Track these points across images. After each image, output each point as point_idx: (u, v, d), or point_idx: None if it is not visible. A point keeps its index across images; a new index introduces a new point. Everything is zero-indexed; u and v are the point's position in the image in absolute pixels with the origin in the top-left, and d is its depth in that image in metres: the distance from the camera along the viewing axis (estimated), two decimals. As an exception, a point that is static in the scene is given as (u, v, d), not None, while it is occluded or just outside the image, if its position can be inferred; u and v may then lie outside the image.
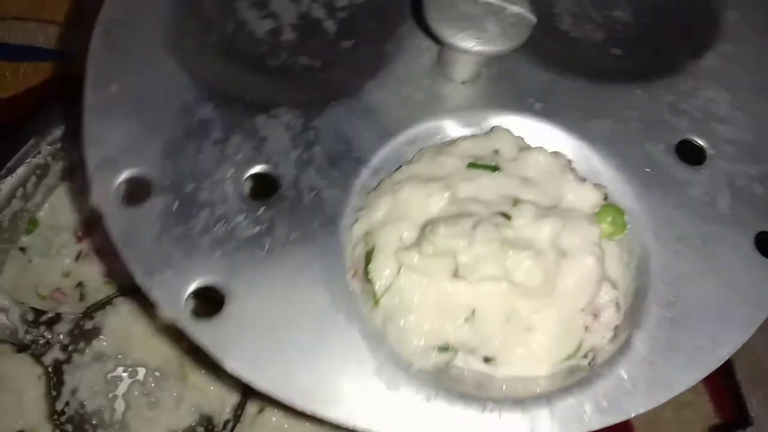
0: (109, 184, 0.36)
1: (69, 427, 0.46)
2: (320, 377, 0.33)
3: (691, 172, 0.38)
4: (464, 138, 0.39)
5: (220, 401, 0.47)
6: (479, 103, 0.40)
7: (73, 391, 0.47)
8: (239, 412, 0.48)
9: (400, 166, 0.38)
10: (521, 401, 0.33)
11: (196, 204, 0.36)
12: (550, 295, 0.33)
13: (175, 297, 0.34)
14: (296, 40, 0.44)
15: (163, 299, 0.34)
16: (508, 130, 0.39)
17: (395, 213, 0.35)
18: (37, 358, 0.47)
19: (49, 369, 0.47)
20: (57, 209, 0.54)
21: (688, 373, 0.34)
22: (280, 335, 0.34)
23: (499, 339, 0.33)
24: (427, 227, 0.34)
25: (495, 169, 0.37)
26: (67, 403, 0.46)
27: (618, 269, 0.36)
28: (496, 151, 0.37)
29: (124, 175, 0.37)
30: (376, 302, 0.34)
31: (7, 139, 0.51)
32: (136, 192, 0.37)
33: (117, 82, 0.39)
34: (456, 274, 0.33)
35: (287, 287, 0.35)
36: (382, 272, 0.34)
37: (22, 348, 0.48)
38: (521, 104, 0.40)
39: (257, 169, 0.38)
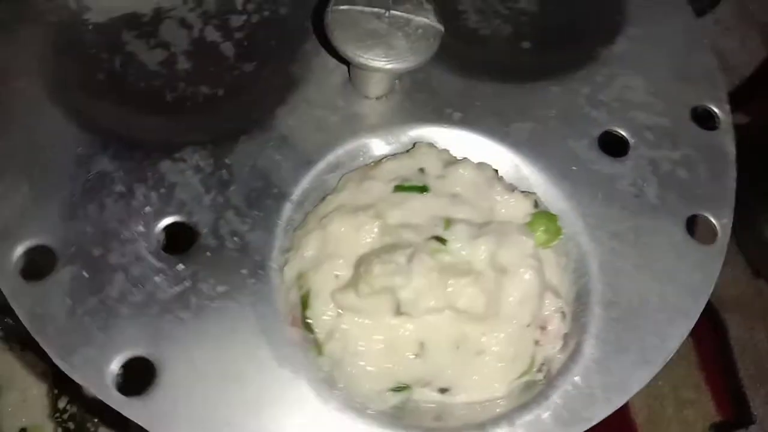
0: (6, 259, 0.33)
1: (71, 424, 0.45)
2: (271, 437, 0.31)
3: (616, 165, 0.38)
4: (387, 158, 0.37)
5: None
6: (397, 118, 0.39)
7: (76, 390, 0.46)
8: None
9: (325, 197, 0.36)
10: (482, 425, 0.32)
11: (107, 269, 0.33)
12: (496, 315, 0.32)
13: (100, 375, 0.31)
14: (193, 68, 0.41)
15: (86, 379, 0.31)
16: (430, 145, 0.37)
17: (326, 250, 0.33)
18: (41, 356, 0.44)
19: (51, 368, 0.46)
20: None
21: (641, 371, 0.34)
22: (223, 399, 0.31)
23: (451, 368, 0.32)
24: (362, 267, 0.32)
25: (423, 189, 0.35)
26: (69, 401, 0.46)
27: (557, 276, 0.35)
28: (422, 170, 0.36)
29: (21, 248, 0.33)
30: (320, 350, 0.32)
31: None
32: (39, 263, 0.34)
33: (-1, 143, 0.35)
34: (399, 311, 0.31)
35: (222, 346, 0.32)
36: (322, 317, 0.32)
37: (24, 347, 0.47)
38: (440, 115, 0.39)
39: (169, 220, 0.35)
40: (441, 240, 0.33)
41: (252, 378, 0.32)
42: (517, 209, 0.35)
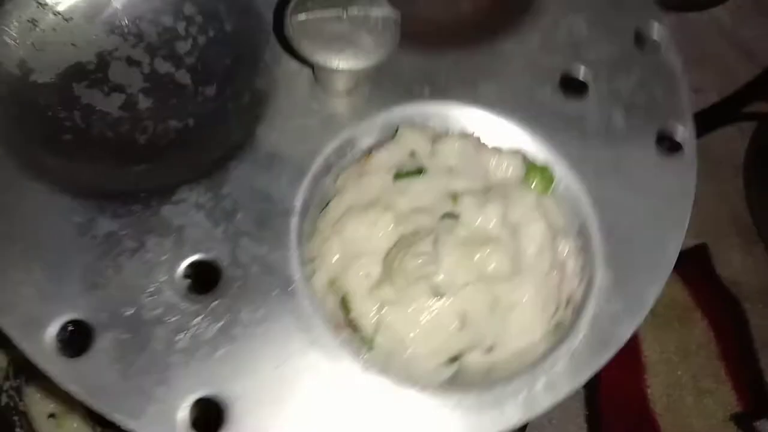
0: (41, 345, 0.33)
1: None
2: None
3: (581, 104, 0.41)
4: (376, 150, 0.38)
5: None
6: (372, 107, 0.40)
7: None
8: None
9: (329, 202, 0.37)
10: (527, 369, 0.35)
11: (145, 325, 0.34)
12: (519, 271, 0.35)
13: (172, 424, 0.32)
14: (155, 105, 0.41)
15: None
16: (411, 128, 0.39)
17: (349, 253, 0.35)
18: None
19: None
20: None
21: (652, 283, 0.37)
22: (297, 415, 0.33)
23: (491, 329, 0.35)
24: (393, 262, 0.34)
25: (420, 171, 0.37)
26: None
27: (561, 218, 0.38)
28: (413, 153, 0.37)
29: (52, 329, 0.33)
30: (371, 345, 0.34)
31: None
32: (75, 338, 0.34)
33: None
34: (436, 293, 0.33)
35: (281, 366, 0.33)
36: (365, 316, 0.34)
37: None
38: (411, 94, 0.40)
39: (189, 260, 0.35)
40: (453, 216, 0.35)
41: (317, 386, 0.33)
42: (509, 168, 0.38)
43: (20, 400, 0.47)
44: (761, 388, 0.55)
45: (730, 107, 0.76)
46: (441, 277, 0.33)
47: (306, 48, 0.35)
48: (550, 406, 0.34)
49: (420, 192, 0.36)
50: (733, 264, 0.66)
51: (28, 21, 0.40)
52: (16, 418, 0.46)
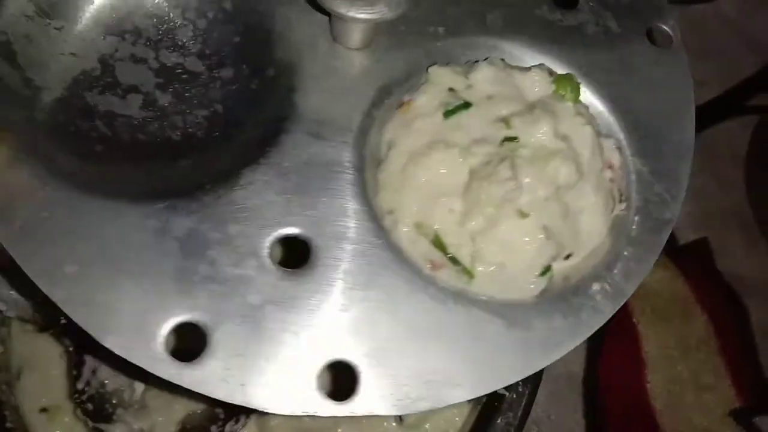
0: (154, 354, 0.32)
1: (90, 405, 0.46)
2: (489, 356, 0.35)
3: (577, 14, 0.43)
4: (413, 95, 0.39)
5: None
6: (393, 55, 0.40)
7: (93, 371, 0.46)
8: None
9: (388, 154, 0.38)
10: (602, 265, 0.39)
11: (255, 311, 0.34)
12: (581, 176, 0.38)
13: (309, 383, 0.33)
14: (175, 98, 0.40)
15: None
16: (439, 67, 0.40)
17: (427, 196, 0.36)
18: (58, 337, 0.47)
19: (70, 348, 0.46)
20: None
21: (681, 161, 0.41)
22: (429, 359, 0.35)
23: (567, 236, 0.38)
24: (479, 194, 0.36)
25: (467, 105, 0.38)
26: (87, 383, 0.46)
27: (595, 120, 0.41)
28: (451, 89, 0.39)
29: (162, 337, 0.33)
30: (471, 275, 0.36)
31: None
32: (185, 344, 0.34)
33: (75, 263, 0.33)
34: (522, 214, 0.36)
35: (398, 321, 0.35)
36: (462, 249, 0.36)
37: (43, 328, 0.47)
38: (426, 36, 0.41)
39: (273, 239, 0.35)
40: (513, 139, 0.37)
41: (433, 326, 0.35)
42: (541, 84, 0.40)
43: (11, 394, 0.47)
44: (761, 384, 0.55)
45: (734, 100, 0.74)
46: (524, 197, 0.35)
47: (332, 1, 0.36)
48: (633, 291, 0.38)
49: (472, 124, 0.38)
50: (734, 258, 0.66)
51: (24, 37, 0.37)
52: (6, 413, 0.45)
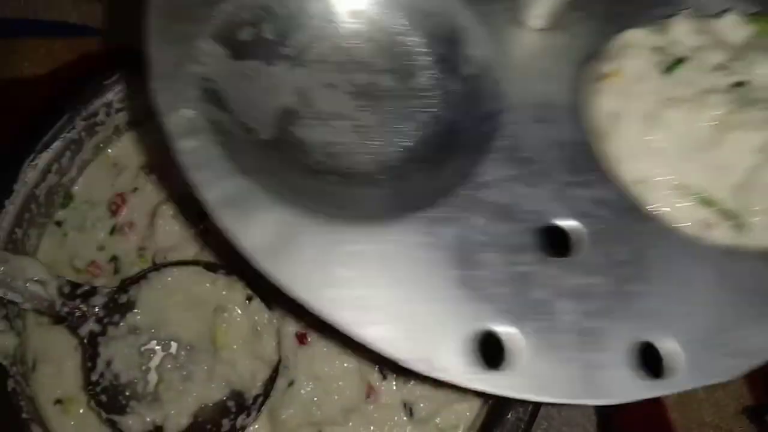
0: (462, 363, 0.33)
1: (103, 397, 0.47)
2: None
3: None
4: (617, 63, 0.40)
5: (251, 376, 0.48)
6: (584, 29, 0.41)
7: (108, 363, 0.47)
8: (269, 387, 0.48)
9: (611, 123, 0.38)
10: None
11: (542, 305, 0.35)
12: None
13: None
14: (379, 117, 0.40)
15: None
16: (636, 30, 0.41)
17: (676, 156, 0.37)
18: (73, 330, 0.47)
19: (85, 341, 0.47)
20: (91, 184, 0.55)
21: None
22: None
23: None
24: (736, 145, 0.36)
25: (681, 59, 0.39)
26: (101, 375, 0.47)
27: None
28: (654, 49, 0.39)
29: (461, 352, 0.33)
30: (745, 228, 0.37)
31: (43, 114, 0.51)
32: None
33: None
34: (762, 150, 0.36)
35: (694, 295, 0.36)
36: (729, 202, 0.37)
37: (58, 320, 0.48)
38: (607, 2, 0.42)
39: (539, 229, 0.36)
40: (742, 83, 0.38)
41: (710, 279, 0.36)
42: (740, 28, 0.41)
43: (27, 385, 0.46)
44: (774, 381, 0.53)
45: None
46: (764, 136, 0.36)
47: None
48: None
49: (693, 77, 0.38)
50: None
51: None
52: (23, 403, 0.45)
